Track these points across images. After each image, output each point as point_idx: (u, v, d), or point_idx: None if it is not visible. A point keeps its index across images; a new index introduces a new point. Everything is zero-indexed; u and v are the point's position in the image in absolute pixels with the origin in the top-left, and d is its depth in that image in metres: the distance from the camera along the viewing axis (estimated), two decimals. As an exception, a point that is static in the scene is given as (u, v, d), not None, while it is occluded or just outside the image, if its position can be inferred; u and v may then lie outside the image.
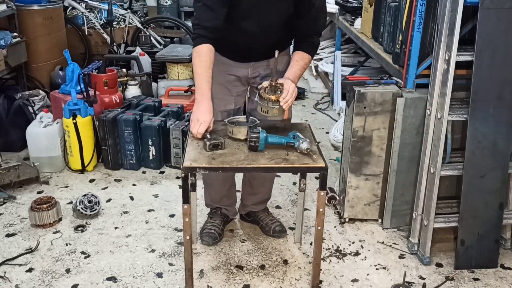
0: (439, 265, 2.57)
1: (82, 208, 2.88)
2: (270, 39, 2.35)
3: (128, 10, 5.84)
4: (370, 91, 2.66)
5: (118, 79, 4.17)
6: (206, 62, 2.24)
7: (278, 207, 3.08)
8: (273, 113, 2.27)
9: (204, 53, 2.23)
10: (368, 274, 2.50)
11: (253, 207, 2.83)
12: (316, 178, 3.33)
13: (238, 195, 2.88)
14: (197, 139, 2.27)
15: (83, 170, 3.46)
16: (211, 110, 2.28)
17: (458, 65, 2.34)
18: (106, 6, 5.36)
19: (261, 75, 2.47)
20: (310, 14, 2.31)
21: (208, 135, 2.25)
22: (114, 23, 5.43)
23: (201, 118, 2.26)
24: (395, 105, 2.63)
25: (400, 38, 2.78)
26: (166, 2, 7.08)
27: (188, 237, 2.20)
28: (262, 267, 2.53)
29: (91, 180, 3.38)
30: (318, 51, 5.85)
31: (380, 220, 2.90)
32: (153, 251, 2.64)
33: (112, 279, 2.42)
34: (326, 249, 2.67)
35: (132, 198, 3.17)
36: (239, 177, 2.87)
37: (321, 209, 2.17)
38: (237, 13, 2.24)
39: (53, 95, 3.71)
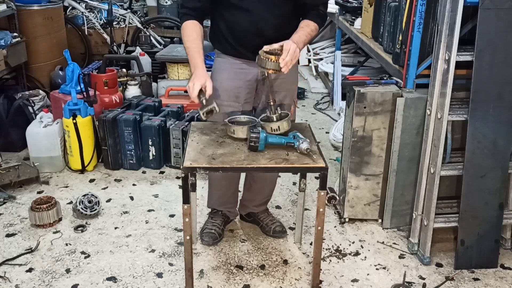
0: (439, 265, 2.57)
1: (82, 208, 2.88)
2: (276, 19, 2.28)
3: (128, 10, 5.84)
4: (370, 91, 2.66)
5: (118, 79, 4.17)
6: (192, 35, 2.28)
7: (278, 207, 3.08)
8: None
9: (189, 28, 2.29)
10: (368, 274, 2.50)
11: (253, 208, 2.83)
12: (316, 178, 3.33)
13: (239, 195, 2.88)
14: (196, 105, 2.24)
15: (83, 170, 3.46)
16: (206, 75, 2.23)
17: (458, 65, 2.34)
18: (106, 6, 5.36)
19: (269, 77, 2.44)
20: None
21: (204, 100, 2.19)
22: (114, 23, 5.43)
23: (196, 82, 2.19)
24: (395, 105, 2.63)
25: (400, 38, 2.78)
26: (166, 2, 7.08)
27: (188, 237, 2.20)
28: (262, 267, 2.53)
29: (91, 180, 3.38)
30: (318, 51, 5.86)
31: (380, 220, 2.90)
32: (153, 251, 2.64)
33: (112, 279, 2.43)
34: (326, 249, 2.67)
35: (132, 198, 3.17)
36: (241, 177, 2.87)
37: (321, 209, 2.17)
38: None
39: (53, 95, 3.71)
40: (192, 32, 2.29)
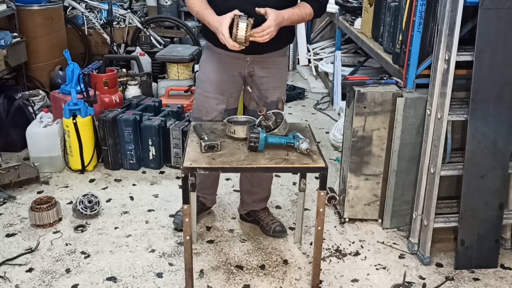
0: (439, 265, 2.57)
1: (82, 208, 2.88)
2: (273, 3, 2.22)
3: (128, 10, 5.84)
4: (370, 91, 2.66)
5: (118, 79, 4.16)
6: (196, 2, 2.32)
7: (278, 207, 3.08)
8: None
9: None
10: (368, 274, 2.50)
11: (253, 205, 2.82)
12: (316, 178, 3.32)
13: (237, 194, 2.88)
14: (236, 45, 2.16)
15: (83, 170, 3.46)
16: (221, 17, 2.20)
17: (458, 65, 2.34)
18: (106, 6, 5.36)
19: (257, 75, 2.46)
20: None
21: (205, 137, 2.23)
22: (114, 23, 5.43)
23: (223, 25, 2.15)
24: (395, 105, 2.63)
25: (400, 38, 2.78)
26: (166, 2, 7.07)
27: (188, 237, 2.20)
28: (262, 267, 2.53)
29: (91, 180, 3.38)
30: (318, 51, 5.86)
31: (380, 220, 2.90)
32: (153, 251, 2.64)
33: (112, 279, 2.43)
34: (326, 249, 2.67)
35: (132, 198, 3.17)
36: (238, 177, 2.87)
37: (321, 209, 2.17)
38: None
39: (53, 95, 3.71)
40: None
